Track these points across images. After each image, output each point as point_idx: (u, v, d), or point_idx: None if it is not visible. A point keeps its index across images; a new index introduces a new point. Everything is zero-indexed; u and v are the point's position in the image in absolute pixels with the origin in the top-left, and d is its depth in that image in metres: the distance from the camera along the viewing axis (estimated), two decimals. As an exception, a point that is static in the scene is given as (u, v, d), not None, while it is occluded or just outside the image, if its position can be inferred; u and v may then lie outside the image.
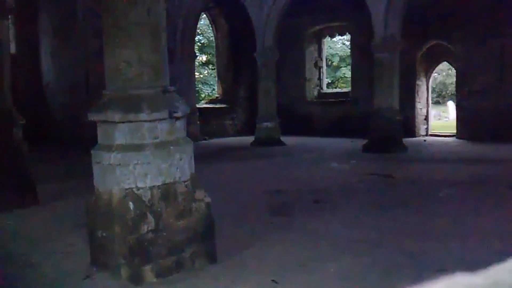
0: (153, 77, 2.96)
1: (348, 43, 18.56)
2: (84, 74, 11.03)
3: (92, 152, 3.01)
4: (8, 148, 4.98)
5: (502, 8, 10.84)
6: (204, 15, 15.37)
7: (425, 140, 12.18)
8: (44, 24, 12.03)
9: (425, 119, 13.35)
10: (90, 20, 10.53)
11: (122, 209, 2.85)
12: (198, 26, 15.00)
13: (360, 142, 10.36)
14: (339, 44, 23.86)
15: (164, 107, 2.92)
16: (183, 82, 11.91)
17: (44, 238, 3.87)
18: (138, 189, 2.87)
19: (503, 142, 10.31)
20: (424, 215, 4.51)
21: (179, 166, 3.00)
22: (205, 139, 13.09)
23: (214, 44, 16.39)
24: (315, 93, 15.13)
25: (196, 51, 15.69)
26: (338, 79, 23.99)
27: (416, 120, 13.04)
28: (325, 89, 15.83)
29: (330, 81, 22.63)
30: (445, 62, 13.80)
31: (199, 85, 21.32)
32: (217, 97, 15.84)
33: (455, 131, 12.44)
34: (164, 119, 2.93)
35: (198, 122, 13.17)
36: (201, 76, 22.83)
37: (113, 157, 2.87)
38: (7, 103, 5.08)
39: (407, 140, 10.63)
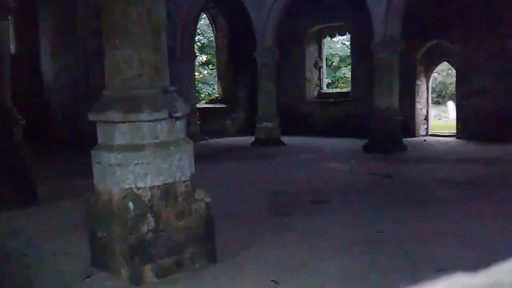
0: (153, 77, 2.96)
1: (348, 43, 18.54)
2: (84, 74, 11.04)
3: (92, 152, 3.01)
4: (8, 148, 4.98)
5: (502, 8, 10.84)
6: (204, 15, 15.36)
7: (425, 140, 12.18)
8: (44, 24, 12.04)
9: (425, 119, 13.35)
10: (90, 20, 10.53)
11: (122, 209, 2.85)
12: (198, 26, 14.99)
13: (360, 142, 10.36)
14: (339, 44, 23.86)
15: (164, 107, 2.92)
16: (183, 82, 11.90)
17: (44, 238, 3.87)
18: (138, 189, 2.87)
19: (503, 142, 10.30)
20: (424, 215, 4.51)
21: (179, 166, 3.00)
22: (205, 139, 13.08)
23: (214, 44, 16.38)
24: (315, 93, 15.12)
25: (196, 51, 15.69)
26: (338, 79, 23.97)
27: (416, 120, 13.03)
28: (325, 89, 15.82)
29: (330, 81, 22.61)
30: (445, 62, 13.80)
31: (199, 85, 21.31)
32: (217, 97, 15.84)
33: (455, 131, 12.44)
34: (164, 119, 2.93)
35: (198, 122, 13.17)
36: (201, 76, 22.82)
37: (113, 157, 2.87)
38: (7, 103, 5.09)
39: (407, 140, 10.63)
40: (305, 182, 6.52)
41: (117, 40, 2.92)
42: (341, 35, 17.06)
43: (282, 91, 13.83)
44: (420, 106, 13.13)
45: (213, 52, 18.52)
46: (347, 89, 15.62)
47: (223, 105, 15.03)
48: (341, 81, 23.57)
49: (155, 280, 2.86)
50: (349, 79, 16.20)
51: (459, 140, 11.76)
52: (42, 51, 12.16)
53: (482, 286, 2.81)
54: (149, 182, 2.89)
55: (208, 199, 3.17)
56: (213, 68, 20.81)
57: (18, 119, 5.14)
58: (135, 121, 2.86)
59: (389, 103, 9.89)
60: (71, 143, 10.21)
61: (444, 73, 25.03)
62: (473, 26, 11.31)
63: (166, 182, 2.95)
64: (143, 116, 2.85)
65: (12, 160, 5.00)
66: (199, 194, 3.14)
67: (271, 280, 2.88)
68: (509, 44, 11.03)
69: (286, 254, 3.38)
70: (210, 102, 15.76)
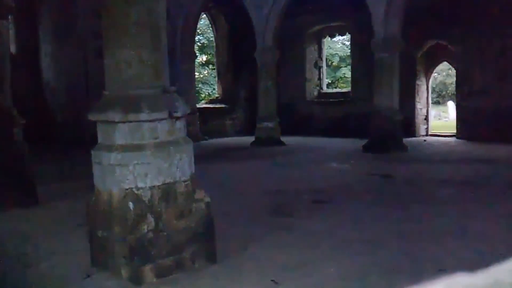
0: (153, 77, 2.95)
1: (348, 43, 18.55)
2: (84, 74, 11.04)
3: (92, 152, 3.01)
4: (8, 148, 4.98)
5: (502, 8, 10.84)
6: (204, 15, 15.36)
7: (425, 140, 12.18)
8: (44, 24, 12.04)
9: (425, 119, 13.35)
10: (90, 20, 10.53)
11: (122, 209, 2.85)
12: (198, 26, 14.99)
13: (360, 142, 10.36)
14: (339, 44, 23.87)
15: (164, 107, 2.92)
16: (183, 82, 11.91)
17: (44, 238, 3.87)
18: (138, 189, 2.87)
19: (503, 142, 10.30)
20: (424, 215, 4.50)
21: (179, 166, 3.00)
22: (205, 139, 13.08)
23: (214, 44, 16.38)
24: (315, 93, 15.13)
25: (196, 51, 15.69)
26: (338, 79, 23.98)
27: (416, 120, 13.03)
28: (325, 89, 15.82)
29: (330, 81, 22.62)
30: (445, 62, 13.80)
31: (199, 85, 21.32)
32: (217, 97, 15.84)
33: (455, 131, 12.44)
34: (164, 119, 2.93)
35: (198, 122, 13.17)
36: (201, 76, 22.83)
37: (113, 157, 2.87)
38: (7, 103, 5.08)
39: (407, 140, 10.63)
40: (305, 182, 6.52)
41: (117, 40, 2.92)
42: (341, 35, 17.07)
43: (282, 91, 13.83)
44: (420, 106, 13.13)
45: (213, 52, 18.51)
46: (347, 89, 15.61)
47: (223, 105, 15.03)
48: (341, 81, 23.57)
49: (155, 280, 2.86)
50: (349, 79, 16.20)
51: (459, 140, 11.76)
52: (42, 51, 12.17)
53: (482, 286, 2.80)
54: (149, 182, 2.89)
55: (208, 199, 3.17)
56: (213, 68, 20.81)
57: (18, 119, 5.12)
58: (135, 121, 2.86)
59: (389, 103, 9.88)
60: (71, 143, 10.21)
61: (444, 73, 25.04)
62: (473, 26, 11.31)
63: (166, 182, 2.95)
64: (143, 116, 2.85)
65: (12, 160, 5.00)
66: (199, 194, 3.14)
67: (271, 280, 2.88)
68: (509, 44, 11.03)
69: (286, 254, 3.38)
70: (210, 102, 15.76)
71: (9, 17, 5.38)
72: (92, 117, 3.00)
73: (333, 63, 23.69)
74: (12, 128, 5.05)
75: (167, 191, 2.95)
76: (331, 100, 14.55)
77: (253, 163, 8.72)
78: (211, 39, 19.62)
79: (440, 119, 21.60)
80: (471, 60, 11.57)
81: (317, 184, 6.36)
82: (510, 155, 8.86)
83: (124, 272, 2.83)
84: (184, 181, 3.04)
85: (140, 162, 2.86)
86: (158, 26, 2.98)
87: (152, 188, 2.90)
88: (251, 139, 12.12)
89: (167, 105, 2.93)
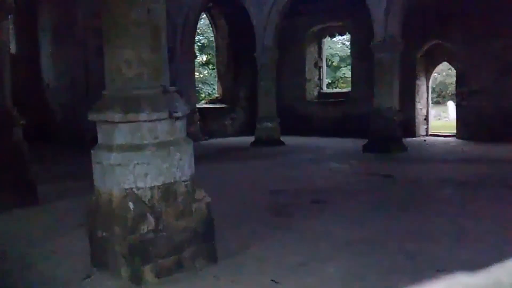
0: (153, 77, 2.95)
1: (348, 43, 18.56)
2: (84, 74, 11.05)
3: (92, 152, 3.01)
4: (8, 148, 4.98)
5: (502, 8, 10.84)
6: (204, 15, 15.37)
7: (425, 140, 12.18)
8: (44, 24, 12.05)
9: (425, 119, 13.35)
10: (90, 20, 10.54)
11: (122, 209, 2.85)
12: (198, 26, 15.00)
13: (360, 142, 10.36)
14: (339, 44, 23.87)
15: (164, 107, 2.92)
16: (183, 82, 11.91)
17: (44, 238, 3.87)
18: (138, 189, 2.87)
19: (503, 142, 10.30)
20: (424, 215, 4.50)
21: (179, 166, 3.00)
22: (205, 139, 13.09)
23: (214, 44, 16.39)
24: (315, 93, 15.13)
25: (196, 51, 15.70)
26: (338, 79, 24.00)
27: (416, 120, 13.04)
28: (325, 89, 15.83)
29: (330, 81, 22.63)
30: (445, 62, 13.80)
31: (199, 85, 21.31)
32: (217, 97, 15.85)
33: (455, 131, 12.45)
34: (164, 119, 2.92)
35: (198, 122, 13.18)
36: (201, 76, 22.83)
37: (113, 157, 2.87)
38: (7, 103, 5.08)
39: (407, 140, 10.63)
40: (305, 182, 6.52)
41: (117, 40, 2.92)
42: (341, 35, 17.08)
43: (282, 91, 13.83)
44: (420, 106, 13.13)
45: (213, 52, 18.52)
46: (347, 89, 15.62)
47: (223, 105, 15.04)
48: (341, 81, 23.58)
49: (155, 280, 2.85)
50: (349, 79, 16.21)
51: (459, 140, 11.76)
52: (42, 51, 12.17)
53: (482, 286, 2.81)
54: (149, 182, 2.89)
55: (208, 199, 3.17)
56: (213, 68, 20.81)
57: (18, 119, 5.12)
58: (135, 121, 2.85)
59: (389, 103, 9.89)
60: (71, 143, 10.22)
61: (444, 73, 25.01)
62: (473, 26, 11.31)
63: (166, 182, 2.94)
64: (143, 116, 2.85)
65: (12, 160, 5.00)
66: (199, 194, 3.14)
67: (271, 280, 2.88)
68: (509, 44, 11.03)
69: (286, 254, 3.38)
70: (210, 102, 15.77)
71: (9, 17, 5.38)
72: (92, 117, 3.00)
73: (333, 63, 23.70)
74: (12, 128, 5.05)
75: (167, 191, 2.95)
76: (331, 100, 14.56)
77: (253, 163, 8.72)
78: (211, 39, 19.62)
79: (440, 119, 21.61)
80: (471, 60, 11.58)
81: (317, 184, 6.36)
82: (510, 155, 8.86)
83: (124, 272, 2.83)
84: (184, 181, 3.04)
85: (140, 162, 2.86)
86: (158, 26, 2.98)
87: (152, 188, 2.90)
88: (251, 139, 12.12)
89: (167, 105, 2.93)
